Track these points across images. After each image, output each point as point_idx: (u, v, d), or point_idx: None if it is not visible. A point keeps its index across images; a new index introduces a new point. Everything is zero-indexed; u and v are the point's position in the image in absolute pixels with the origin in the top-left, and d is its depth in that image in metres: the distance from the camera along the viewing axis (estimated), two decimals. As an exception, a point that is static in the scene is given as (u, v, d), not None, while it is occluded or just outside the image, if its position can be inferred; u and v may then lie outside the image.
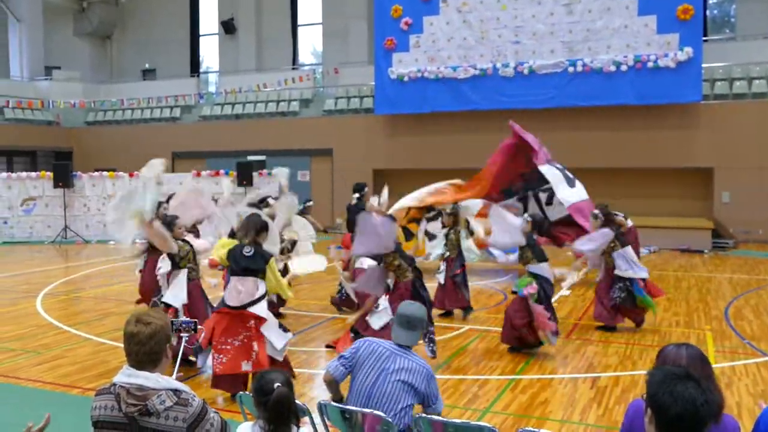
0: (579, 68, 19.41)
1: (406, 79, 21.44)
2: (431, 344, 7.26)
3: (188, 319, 6.58)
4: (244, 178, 20.06)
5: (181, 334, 6.42)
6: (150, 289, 8.25)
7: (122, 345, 3.05)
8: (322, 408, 4.15)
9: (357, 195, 12.70)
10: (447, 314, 10.11)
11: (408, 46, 21.53)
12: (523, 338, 7.97)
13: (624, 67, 19.00)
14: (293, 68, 27.76)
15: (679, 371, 2.56)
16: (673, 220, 18.50)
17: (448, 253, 10.17)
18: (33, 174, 21.10)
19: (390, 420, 3.93)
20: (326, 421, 4.21)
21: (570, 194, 11.51)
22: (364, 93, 24.63)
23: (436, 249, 10.67)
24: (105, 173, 21.06)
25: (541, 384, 7.04)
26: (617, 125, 19.60)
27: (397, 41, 21.61)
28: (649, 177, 19.78)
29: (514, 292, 8.45)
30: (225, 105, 27.12)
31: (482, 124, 20.94)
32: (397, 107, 21.81)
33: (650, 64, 18.72)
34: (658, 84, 18.63)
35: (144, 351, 2.98)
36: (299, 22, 28.57)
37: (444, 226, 10.59)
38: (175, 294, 7.27)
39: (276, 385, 3.38)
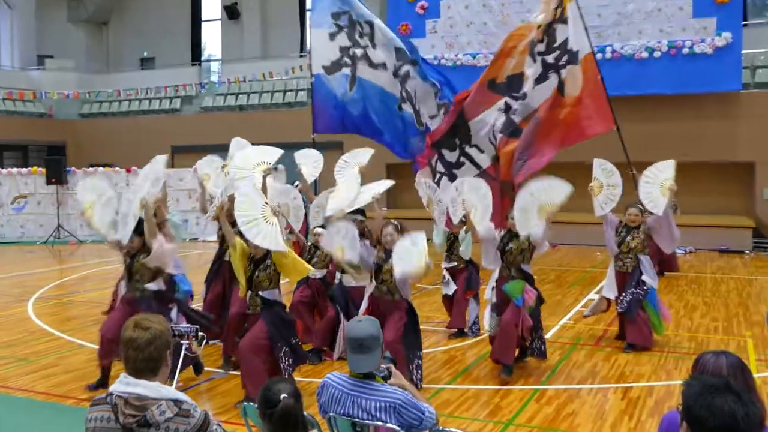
0: (608, 55, 19.30)
1: (422, 67, 21.42)
2: (418, 372, 7.21)
3: (188, 325, 6.62)
4: (249, 174, 20.11)
5: (182, 341, 6.45)
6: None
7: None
8: (331, 421, 4.15)
9: None
10: (460, 333, 9.52)
11: (424, 31, 21.51)
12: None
13: (657, 54, 18.89)
14: (301, 55, 27.79)
15: (717, 382, 2.53)
16: (710, 218, 18.38)
17: (455, 263, 9.75)
18: (24, 170, 21.27)
19: (404, 433, 3.92)
20: (336, 434, 4.21)
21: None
22: (377, 82, 24.58)
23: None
24: (101, 169, 21.21)
25: (568, 394, 7.02)
26: (649, 116, 19.48)
27: (413, 27, 21.59)
28: (684, 172, 19.41)
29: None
30: (228, 95, 27.20)
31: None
32: (413, 97, 21.78)
33: (686, 51, 18.60)
34: (695, 72, 18.50)
35: (142, 358, 3.00)
36: (307, 6, 28.61)
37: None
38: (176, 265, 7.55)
39: (282, 396, 3.38)
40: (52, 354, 8.64)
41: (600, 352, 8.53)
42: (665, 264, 13.37)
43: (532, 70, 13.40)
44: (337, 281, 8.67)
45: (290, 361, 6.57)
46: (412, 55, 14.25)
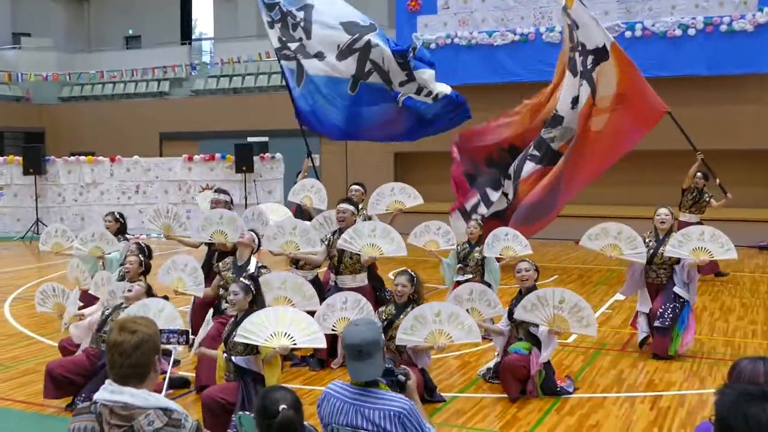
0: (638, 32, 19.24)
1: (433, 46, 21.38)
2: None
3: (180, 328, 6.64)
4: (244, 163, 20.12)
5: (171, 346, 6.48)
6: None
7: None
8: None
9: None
10: None
11: (435, 7, 21.47)
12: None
13: (692, 31, 18.81)
14: (301, 34, 27.80)
15: (754, 390, 2.52)
16: (749, 211, 18.33)
17: (470, 276, 9.82)
18: (-1, 159, 21.32)
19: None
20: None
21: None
22: (383, 63, 24.58)
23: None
24: (82, 158, 21.22)
25: (592, 404, 7.03)
26: (683, 100, 19.36)
27: (423, 2, 21.57)
28: (720, 160, 19.50)
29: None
30: (221, 77, 27.21)
31: (523, 99, 20.84)
32: (423, 79, 21.75)
33: (723, 28, 18.52)
34: (733, 51, 18.41)
35: (129, 363, 3.01)
36: (308, -21, 28.61)
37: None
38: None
39: (282, 407, 3.40)
40: (32, 359, 8.69)
41: (627, 358, 8.54)
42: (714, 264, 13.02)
43: (568, 85, 13.62)
44: (332, 283, 8.74)
45: None
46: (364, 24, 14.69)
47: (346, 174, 23.23)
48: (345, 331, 4.19)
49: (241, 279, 6.68)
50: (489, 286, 9.83)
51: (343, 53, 14.75)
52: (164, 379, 6.34)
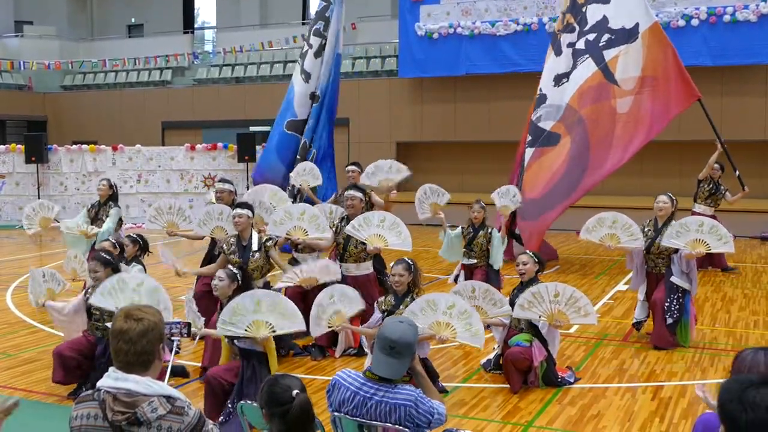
0: (641, 22, 19.19)
1: (435, 35, 21.36)
2: None
3: (179, 320, 6.66)
4: (246, 153, 20.10)
5: (172, 338, 6.49)
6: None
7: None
8: (336, 421, 4.18)
9: None
10: None
11: (439, -4, 21.46)
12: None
13: (695, 22, 18.77)
14: (303, 23, 27.74)
15: (755, 378, 2.50)
16: (751, 202, 18.27)
17: (476, 260, 9.90)
18: (1, 147, 21.30)
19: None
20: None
21: None
22: (386, 52, 24.55)
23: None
24: (85, 146, 21.21)
25: (594, 394, 7.04)
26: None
27: (426, -8, 21.54)
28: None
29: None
30: (224, 66, 27.17)
31: (526, 90, 20.76)
32: (426, 69, 21.73)
33: (727, 18, 18.48)
34: (737, 41, 18.38)
35: (134, 351, 3.02)
36: (310, -32, 28.56)
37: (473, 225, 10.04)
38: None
39: (294, 392, 3.42)
40: (33, 348, 8.70)
41: (628, 348, 8.54)
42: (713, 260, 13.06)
43: (549, 64, 13.60)
44: None
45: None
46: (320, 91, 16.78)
47: (348, 162, 23.20)
48: (387, 323, 4.19)
49: (230, 266, 6.72)
50: (496, 272, 9.89)
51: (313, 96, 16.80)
52: (166, 368, 6.35)
